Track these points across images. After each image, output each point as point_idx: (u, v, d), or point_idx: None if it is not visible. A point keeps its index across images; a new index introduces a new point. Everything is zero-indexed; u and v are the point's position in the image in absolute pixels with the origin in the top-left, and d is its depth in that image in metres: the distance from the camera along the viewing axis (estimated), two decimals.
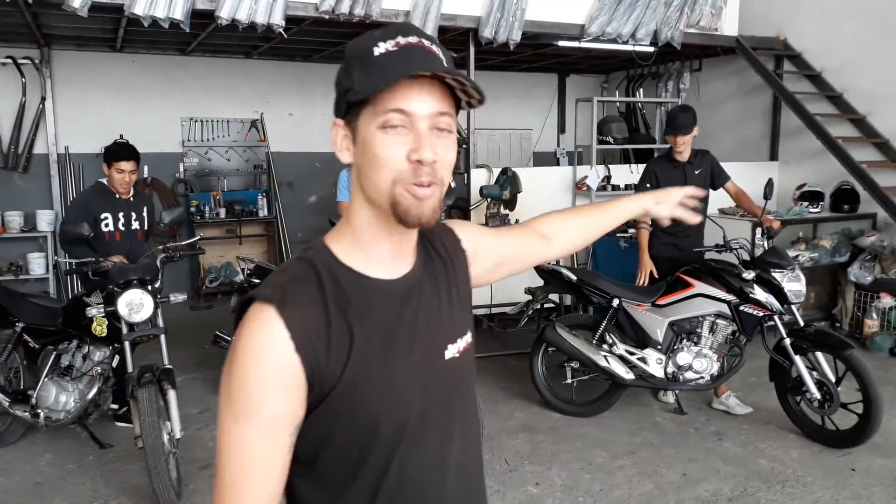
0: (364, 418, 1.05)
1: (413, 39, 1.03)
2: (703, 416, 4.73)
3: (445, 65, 1.03)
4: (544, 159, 10.13)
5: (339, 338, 1.03)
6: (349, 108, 1.06)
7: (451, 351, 1.16)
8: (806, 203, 6.88)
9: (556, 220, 1.53)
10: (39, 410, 3.87)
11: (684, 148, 4.72)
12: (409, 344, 1.09)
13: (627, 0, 6.75)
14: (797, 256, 6.05)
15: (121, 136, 7.57)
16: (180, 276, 8.37)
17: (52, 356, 4.01)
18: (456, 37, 6.59)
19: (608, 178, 7.25)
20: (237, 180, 8.78)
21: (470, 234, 1.31)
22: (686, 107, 4.92)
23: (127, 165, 4.30)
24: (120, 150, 4.33)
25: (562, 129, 10.46)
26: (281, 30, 5.66)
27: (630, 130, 8.86)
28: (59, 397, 3.89)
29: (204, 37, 6.92)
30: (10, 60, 7.23)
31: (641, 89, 9.20)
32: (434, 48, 1.04)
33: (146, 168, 8.05)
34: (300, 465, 1.07)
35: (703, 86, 8.62)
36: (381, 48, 1.02)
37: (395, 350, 1.08)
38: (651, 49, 7.39)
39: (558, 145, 10.37)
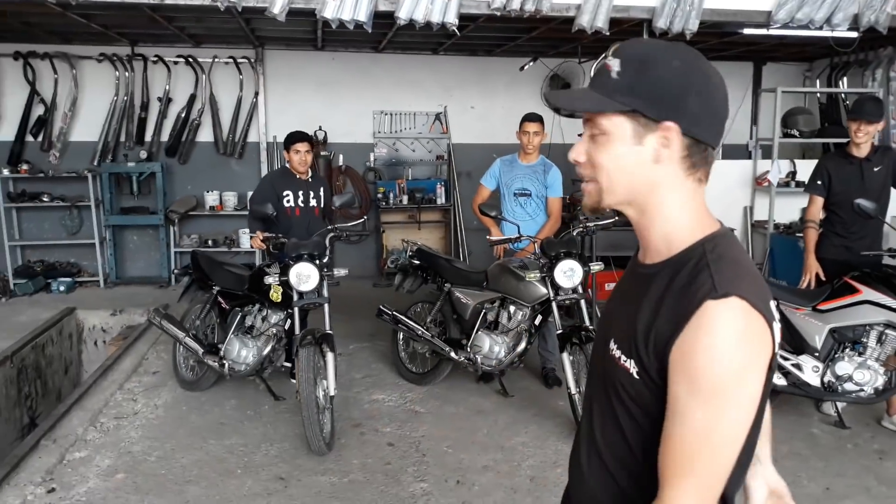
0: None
1: (603, 61, 1.20)
2: (868, 432, 4.40)
3: (615, 75, 1.17)
4: (734, 152, 9.60)
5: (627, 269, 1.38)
6: None
7: (611, 346, 1.24)
8: None
9: None
10: (225, 361, 4.54)
11: (865, 139, 4.38)
12: (616, 302, 1.34)
13: None
14: None
15: (319, 128, 8.47)
16: (369, 255, 9.12)
17: (238, 316, 4.68)
18: (630, 28, 6.53)
19: (793, 173, 6.81)
20: (421, 169, 9.32)
21: (690, 346, 1.09)
22: (875, 97, 4.56)
23: (302, 146, 4.91)
24: (295, 134, 5.02)
25: (755, 120, 9.86)
26: (454, 28, 5.97)
27: (832, 122, 8.21)
28: (241, 352, 4.53)
29: (392, 35, 7.46)
30: (231, 60, 8.31)
31: (846, 78, 8.43)
32: (611, 63, 1.18)
33: (341, 157, 8.86)
34: None
35: None
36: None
37: (616, 296, 1.36)
38: (853, 35, 6.78)
39: (751, 137, 9.80)
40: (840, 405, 4.50)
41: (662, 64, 1.15)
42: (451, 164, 9.08)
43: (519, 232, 4.76)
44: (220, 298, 4.88)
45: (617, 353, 1.21)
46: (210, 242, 8.39)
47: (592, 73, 1.22)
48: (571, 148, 1.26)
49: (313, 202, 5.04)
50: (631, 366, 1.18)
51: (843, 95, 8.32)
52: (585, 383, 1.44)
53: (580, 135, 1.28)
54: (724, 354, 1.05)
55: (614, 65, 1.17)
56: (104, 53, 8.10)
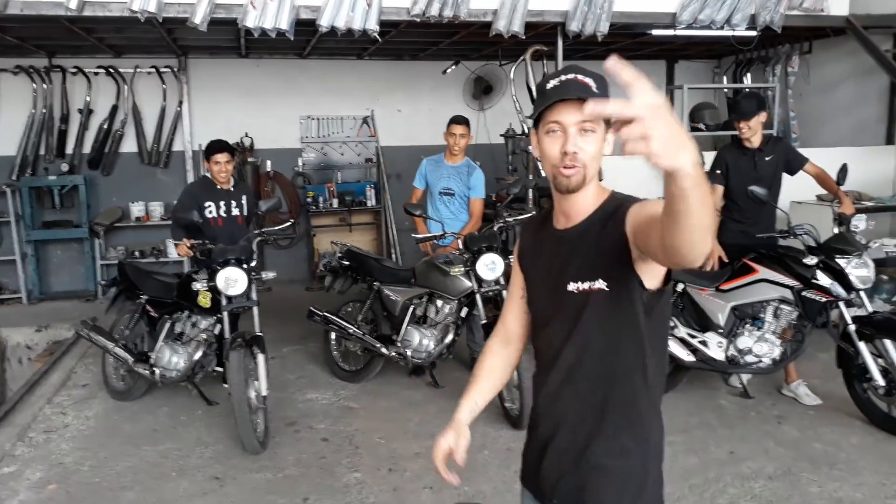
0: (530, 302, 1.81)
1: (571, 76, 1.55)
2: (770, 400, 4.76)
3: (595, 90, 1.53)
4: None
5: (532, 248, 1.81)
6: (536, 122, 1.63)
7: (572, 286, 1.63)
8: None
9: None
10: (156, 369, 4.58)
11: (750, 133, 4.73)
12: (549, 268, 1.70)
13: None
14: (867, 244, 5.80)
15: (246, 135, 8.49)
16: (301, 259, 9.18)
17: (168, 324, 4.72)
18: (545, 31, 6.81)
19: (701, 165, 7.20)
20: (351, 173, 9.43)
21: (636, 208, 1.55)
22: (752, 93, 4.95)
23: (222, 157, 4.93)
24: (215, 145, 4.99)
25: None
26: (375, 34, 6.12)
27: None
28: (172, 358, 4.58)
29: (316, 41, 7.55)
30: (153, 70, 8.26)
31: (749, 74, 8.95)
32: (587, 80, 1.55)
33: (269, 163, 8.89)
34: None
35: (814, 68, 8.28)
36: (551, 84, 1.58)
37: (542, 267, 1.73)
38: (751, 34, 7.24)
39: None
40: (745, 377, 4.84)
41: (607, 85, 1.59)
42: (380, 166, 9.23)
43: (443, 229, 4.96)
44: (148, 307, 4.90)
45: (585, 285, 1.61)
46: (137, 253, 8.32)
47: (567, 86, 1.54)
48: (567, 143, 1.55)
49: (236, 211, 5.07)
50: (601, 284, 1.59)
51: (746, 90, 8.82)
52: (541, 335, 1.75)
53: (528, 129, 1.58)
54: None
55: (590, 83, 1.55)
56: (20, 66, 7.94)
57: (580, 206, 1.65)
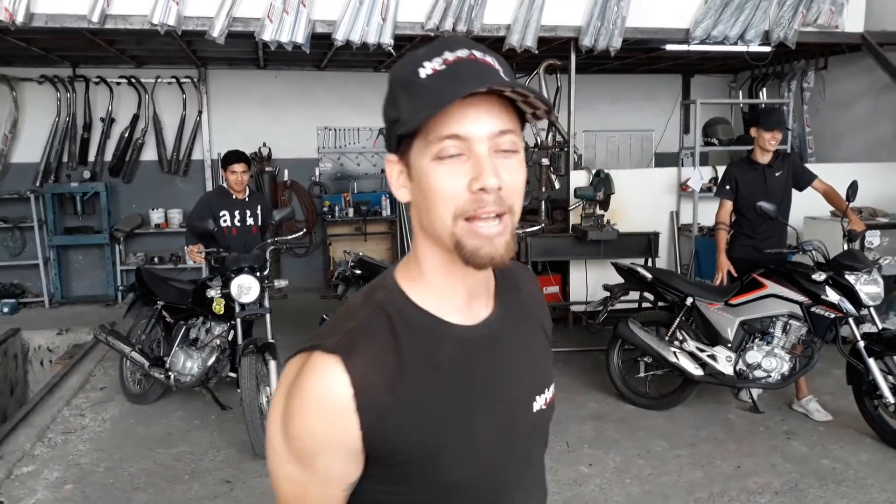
0: (445, 486, 0.97)
1: (462, 53, 0.90)
2: (780, 416, 4.75)
3: (503, 76, 0.91)
4: (667, 160, 10.07)
5: (414, 396, 0.93)
6: (400, 141, 0.94)
7: (539, 402, 1.07)
8: None
9: None
10: (171, 373, 4.67)
11: (776, 144, 4.74)
12: (494, 399, 1.00)
13: (735, 2, 6.72)
14: (877, 260, 5.76)
15: (264, 144, 8.62)
16: (317, 267, 9.28)
17: (183, 329, 4.82)
18: (558, 45, 6.88)
19: (714, 179, 7.22)
20: (367, 183, 9.53)
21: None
22: (778, 108, 4.95)
23: (238, 167, 5.02)
24: (232, 155, 5.07)
25: (686, 129, 10.34)
26: (390, 48, 6.22)
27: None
28: (186, 363, 4.67)
29: (333, 54, 7.68)
30: (174, 80, 8.42)
31: (765, 89, 8.96)
32: (488, 58, 0.92)
33: (286, 172, 9.02)
34: None
35: (829, 84, 8.28)
36: (426, 68, 0.90)
37: (480, 408, 0.98)
38: (765, 49, 7.26)
39: (681, 146, 10.27)
40: (755, 392, 4.84)
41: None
42: None
43: None
44: (164, 313, 5.00)
45: (546, 397, 1.09)
46: (156, 260, 8.47)
47: (465, 70, 0.90)
48: (483, 173, 0.89)
49: (250, 221, 5.14)
50: (553, 386, 1.12)
51: (762, 105, 8.82)
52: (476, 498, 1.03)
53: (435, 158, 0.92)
54: None
55: (494, 63, 0.92)
56: (45, 75, 8.14)
57: (488, 278, 1.05)
